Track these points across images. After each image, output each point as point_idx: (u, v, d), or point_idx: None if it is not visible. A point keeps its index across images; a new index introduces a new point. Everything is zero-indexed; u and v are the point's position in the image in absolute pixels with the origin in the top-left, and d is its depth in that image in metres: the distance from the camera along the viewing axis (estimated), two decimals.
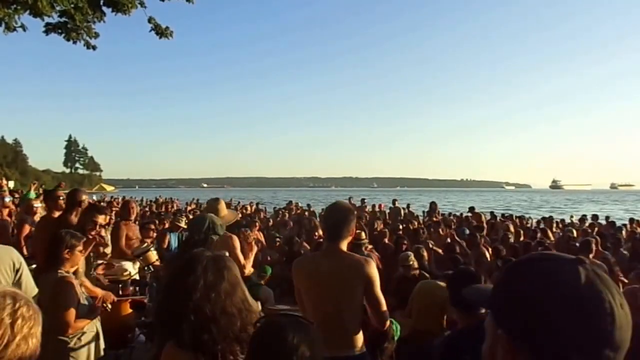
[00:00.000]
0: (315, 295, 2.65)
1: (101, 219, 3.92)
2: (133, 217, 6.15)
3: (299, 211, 14.93)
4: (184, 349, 1.48)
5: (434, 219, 12.17)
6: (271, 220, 13.12)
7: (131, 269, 4.89)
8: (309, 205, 16.57)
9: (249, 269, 4.22)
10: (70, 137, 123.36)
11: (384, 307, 2.66)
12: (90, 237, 3.83)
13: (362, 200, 16.05)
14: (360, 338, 2.64)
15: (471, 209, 13.69)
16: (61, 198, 4.71)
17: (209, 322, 1.46)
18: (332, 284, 2.59)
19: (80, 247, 3.14)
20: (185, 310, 1.47)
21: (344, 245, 2.71)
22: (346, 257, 2.68)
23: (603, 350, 0.69)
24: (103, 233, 6.19)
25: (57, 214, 4.65)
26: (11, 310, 1.19)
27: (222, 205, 4.25)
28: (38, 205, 6.97)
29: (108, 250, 6.02)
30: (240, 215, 5.45)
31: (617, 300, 0.71)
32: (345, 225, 2.69)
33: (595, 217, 13.50)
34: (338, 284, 2.58)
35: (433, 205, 13.74)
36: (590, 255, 5.88)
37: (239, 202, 19.44)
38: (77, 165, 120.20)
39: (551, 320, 0.70)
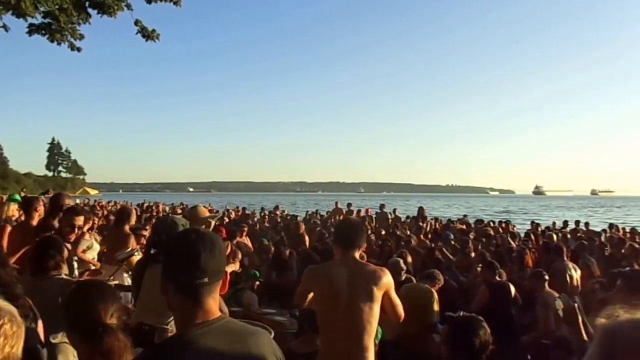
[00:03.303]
0: (334, 305, 2.69)
1: (79, 220, 3.86)
2: (133, 223, 6.06)
3: (278, 220, 14.83)
4: None
5: (420, 223, 12.25)
6: (258, 225, 13.07)
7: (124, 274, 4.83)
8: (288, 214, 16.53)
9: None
10: (53, 139, 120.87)
11: (401, 309, 2.89)
12: (70, 240, 3.77)
13: (349, 205, 16.07)
14: (372, 350, 2.71)
15: (464, 217, 13.77)
16: (40, 204, 4.63)
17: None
18: (352, 293, 2.64)
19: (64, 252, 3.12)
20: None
21: (357, 255, 2.83)
22: (364, 265, 2.82)
23: (195, 271, 1.33)
24: (87, 237, 6.10)
25: (35, 219, 4.59)
26: None
27: (201, 209, 4.29)
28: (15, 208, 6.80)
29: (94, 253, 5.93)
30: (218, 217, 5.50)
31: (208, 248, 1.35)
32: (361, 236, 2.89)
33: (577, 222, 13.75)
34: (357, 293, 2.64)
35: (420, 210, 13.82)
36: (566, 259, 6.02)
37: (226, 208, 19.35)
38: (60, 168, 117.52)
39: (169, 256, 1.42)
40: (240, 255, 5.54)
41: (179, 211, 17.52)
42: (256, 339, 1.40)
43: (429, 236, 9.97)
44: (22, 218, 5.43)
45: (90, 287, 1.91)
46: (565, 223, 14.07)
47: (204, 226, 4.26)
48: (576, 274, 5.82)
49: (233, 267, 5.04)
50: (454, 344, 2.32)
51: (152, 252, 3.00)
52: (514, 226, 13.46)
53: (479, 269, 6.32)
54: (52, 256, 2.99)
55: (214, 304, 1.38)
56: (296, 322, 4.54)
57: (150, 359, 1.39)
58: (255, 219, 14.73)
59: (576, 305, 4.27)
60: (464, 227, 12.25)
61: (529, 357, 4.57)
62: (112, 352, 1.55)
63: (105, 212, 14.93)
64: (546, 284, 4.82)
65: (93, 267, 5.68)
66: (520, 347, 4.67)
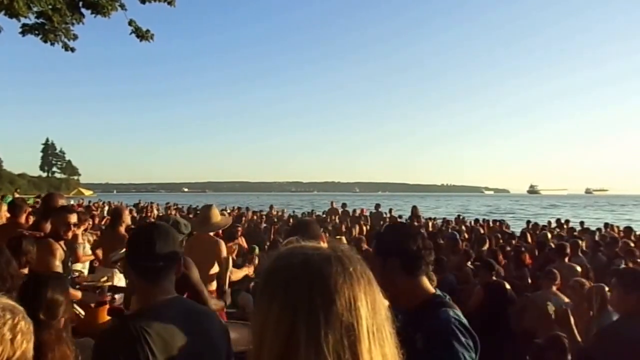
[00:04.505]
0: None
1: (73, 218, 3.85)
2: (128, 222, 6.03)
3: (275, 220, 14.81)
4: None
5: (416, 223, 12.26)
6: (253, 225, 13.02)
7: (118, 275, 4.80)
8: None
9: (236, 277, 4.24)
10: (47, 140, 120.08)
11: None
12: (68, 238, 3.76)
13: (344, 205, 16.07)
14: None
15: (459, 217, 13.79)
16: (27, 207, 4.62)
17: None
18: None
19: (34, 250, 3.14)
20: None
21: None
22: None
23: (151, 257, 1.59)
24: (81, 239, 6.04)
25: (23, 219, 4.57)
26: (11, 325, 1.18)
27: (215, 212, 4.30)
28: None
29: (88, 254, 5.88)
30: (231, 221, 5.48)
31: (162, 237, 1.64)
32: (309, 229, 2.55)
33: (566, 221, 13.80)
34: None
35: (414, 209, 13.82)
36: (566, 259, 6.00)
37: (225, 207, 19.28)
38: (54, 169, 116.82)
39: (130, 246, 1.71)
40: (257, 261, 5.52)
41: (173, 212, 17.46)
42: (207, 316, 1.72)
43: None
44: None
45: (39, 279, 2.07)
46: (559, 221, 14.12)
47: (212, 233, 4.27)
48: (574, 274, 5.82)
49: (247, 271, 5.01)
50: None
51: None
52: (508, 226, 13.49)
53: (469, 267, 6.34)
54: (22, 254, 3.03)
55: (170, 285, 1.66)
56: None
57: (122, 328, 1.54)
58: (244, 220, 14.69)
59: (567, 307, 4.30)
60: (462, 227, 12.29)
61: (527, 357, 4.57)
62: (43, 345, 1.64)
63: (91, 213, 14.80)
64: (554, 286, 4.81)
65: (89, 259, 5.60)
66: (517, 347, 4.68)
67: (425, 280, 1.77)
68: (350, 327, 0.75)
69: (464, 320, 1.64)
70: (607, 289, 3.95)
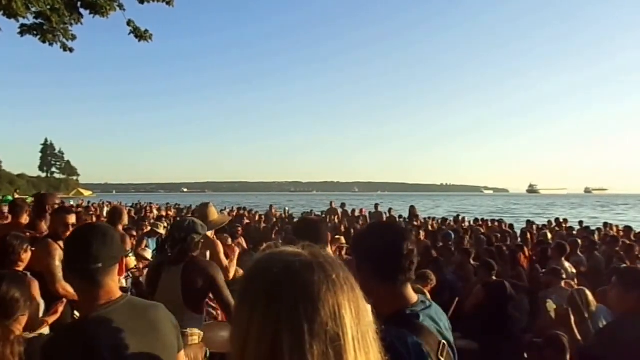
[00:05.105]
0: None
1: (72, 218, 3.85)
2: (125, 223, 6.03)
3: (275, 220, 14.78)
4: None
5: (415, 223, 12.25)
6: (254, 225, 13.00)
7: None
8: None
9: (232, 273, 4.22)
10: (46, 140, 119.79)
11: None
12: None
13: (343, 205, 16.05)
14: None
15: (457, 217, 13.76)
16: (28, 207, 4.62)
17: None
18: None
19: (26, 248, 3.15)
20: None
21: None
22: None
23: (89, 258, 1.52)
24: None
25: (23, 219, 4.57)
26: None
27: (212, 210, 4.30)
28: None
29: None
30: (229, 218, 5.48)
31: (99, 238, 1.57)
32: (320, 233, 2.63)
33: (565, 221, 13.79)
34: None
35: (412, 209, 13.79)
36: (563, 258, 5.99)
37: (224, 208, 19.26)
38: (54, 169, 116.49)
39: (67, 249, 1.68)
40: (236, 252, 5.55)
41: (171, 212, 17.44)
42: (155, 310, 1.65)
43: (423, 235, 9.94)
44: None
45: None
46: (557, 221, 14.11)
47: (211, 232, 4.27)
48: (572, 273, 5.81)
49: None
50: None
51: (168, 254, 2.96)
52: (510, 225, 13.47)
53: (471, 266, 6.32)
54: (11, 253, 3.06)
55: (114, 285, 1.60)
56: None
57: (68, 337, 1.49)
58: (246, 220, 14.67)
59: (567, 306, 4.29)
60: (462, 226, 12.28)
61: (525, 356, 4.56)
62: None
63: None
64: (562, 282, 4.82)
65: None
66: (518, 346, 4.67)
67: (404, 290, 1.53)
68: (335, 336, 0.74)
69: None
70: (587, 292, 3.97)
